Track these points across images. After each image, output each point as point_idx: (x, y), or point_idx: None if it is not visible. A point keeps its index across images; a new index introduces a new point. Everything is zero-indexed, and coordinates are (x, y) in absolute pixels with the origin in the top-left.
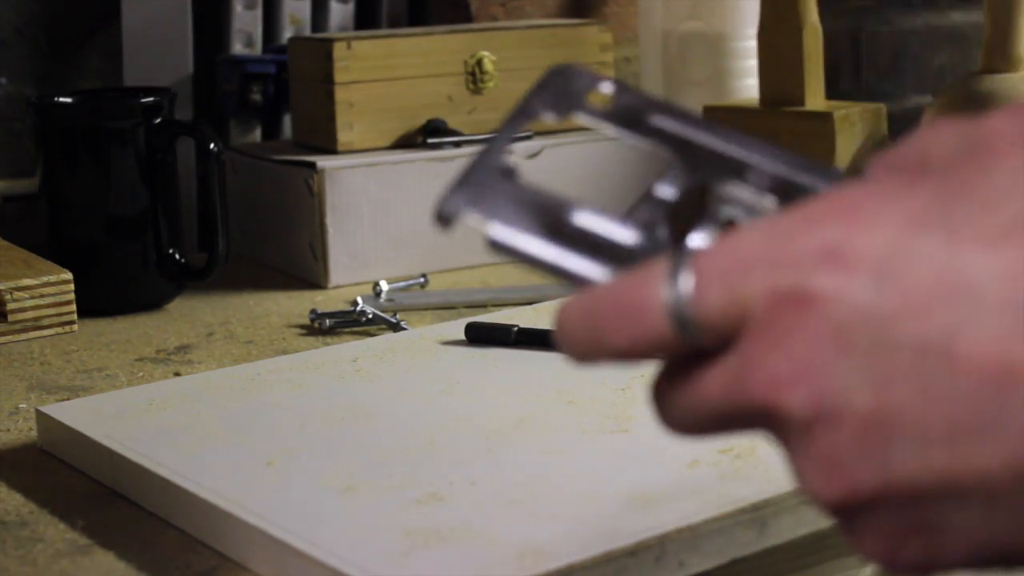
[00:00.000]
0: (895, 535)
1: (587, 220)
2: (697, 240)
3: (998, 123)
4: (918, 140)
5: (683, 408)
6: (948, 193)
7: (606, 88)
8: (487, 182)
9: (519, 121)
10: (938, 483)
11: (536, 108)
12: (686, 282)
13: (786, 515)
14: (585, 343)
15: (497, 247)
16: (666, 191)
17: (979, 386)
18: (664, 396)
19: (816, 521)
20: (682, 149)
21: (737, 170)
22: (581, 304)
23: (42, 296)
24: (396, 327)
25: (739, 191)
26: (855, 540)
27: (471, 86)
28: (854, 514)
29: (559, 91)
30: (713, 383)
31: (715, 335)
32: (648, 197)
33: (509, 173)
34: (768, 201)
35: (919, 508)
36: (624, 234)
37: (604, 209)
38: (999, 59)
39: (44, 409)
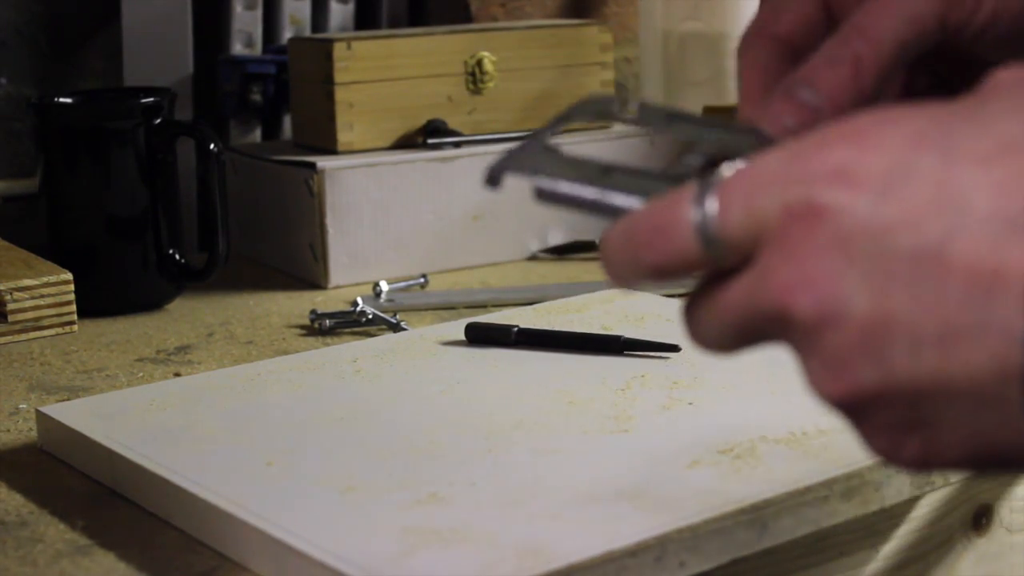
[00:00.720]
0: (896, 432)
1: (623, 173)
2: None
3: (998, 75)
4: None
5: (709, 322)
6: (947, 118)
7: (632, 106)
8: (532, 154)
9: (560, 122)
10: (932, 383)
11: (576, 115)
12: (711, 203)
13: (786, 515)
14: (624, 263)
15: (543, 195)
16: (693, 159)
17: (966, 290)
18: (693, 314)
19: (816, 521)
20: (702, 135)
21: (757, 143)
22: (620, 228)
23: (42, 296)
24: (396, 327)
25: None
26: (861, 436)
27: (471, 86)
28: (859, 411)
29: (595, 106)
30: (734, 294)
31: (738, 251)
32: (677, 162)
33: (552, 149)
34: None
35: (917, 406)
36: (658, 184)
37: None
38: None
39: (44, 409)
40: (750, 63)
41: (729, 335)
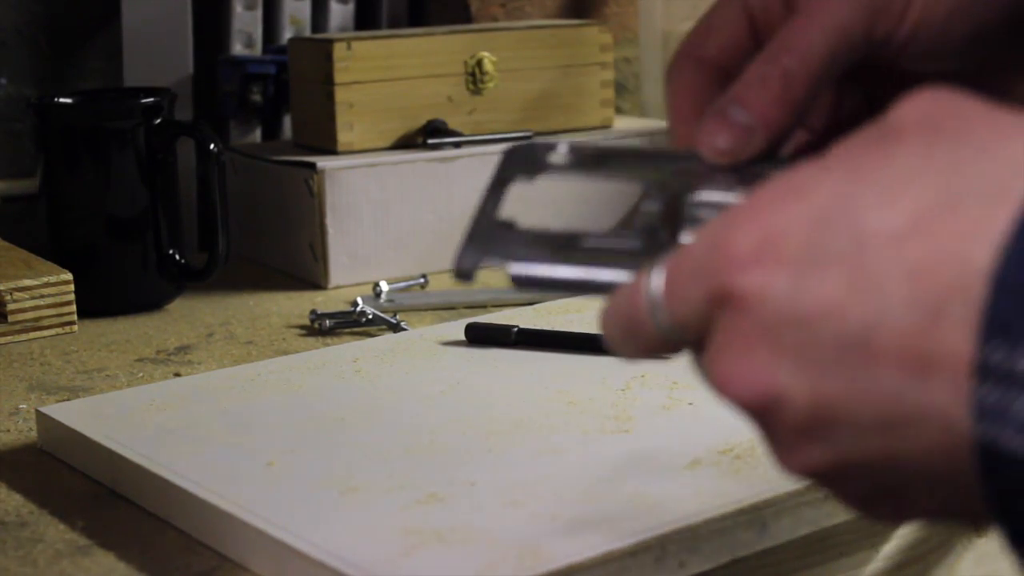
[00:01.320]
0: (866, 498)
1: (592, 239)
2: (684, 239)
3: (907, 107)
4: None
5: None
6: (852, 182)
7: (562, 149)
8: (492, 234)
9: (498, 189)
10: (883, 463)
11: (510, 176)
12: (657, 291)
13: (786, 515)
14: (624, 348)
15: (520, 282)
16: (651, 205)
17: (899, 378)
18: (697, 372)
19: (816, 521)
20: (644, 176)
21: (701, 176)
22: (606, 315)
23: (42, 296)
24: (396, 327)
25: (706, 194)
26: (836, 498)
27: (471, 86)
28: (825, 483)
29: (524, 160)
30: (705, 375)
31: (695, 333)
32: (637, 210)
33: (508, 225)
34: (736, 197)
35: (878, 480)
36: (628, 242)
37: (603, 225)
38: None
39: (44, 409)
40: (679, 86)
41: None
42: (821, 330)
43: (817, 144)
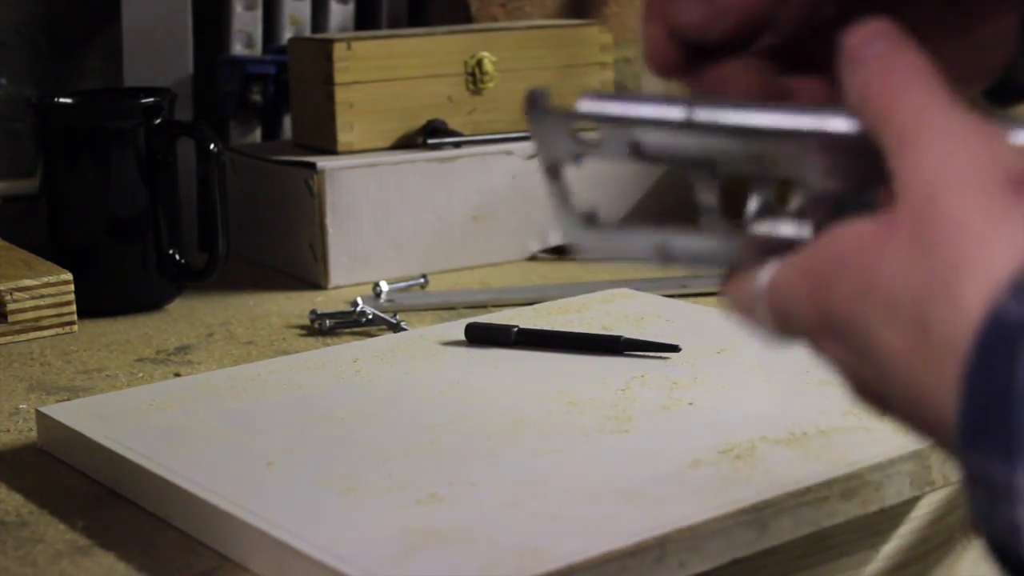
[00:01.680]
0: None
1: (677, 239)
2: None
3: (910, 179)
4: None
5: None
6: (863, 291)
7: (586, 104)
8: (583, 236)
9: (555, 177)
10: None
11: (557, 160)
12: (762, 291)
13: (786, 515)
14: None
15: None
16: (709, 197)
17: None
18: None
19: (816, 521)
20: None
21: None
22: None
23: (42, 296)
24: (396, 327)
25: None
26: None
27: (471, 86)
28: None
29: (552, 143)
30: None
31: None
32: (707, 217)
33: (591, 219)
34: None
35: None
36: (712, 243)
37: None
38: None
39: (44, 409)
40: None
41: None
42: (870, 392)
43: (785, 50)
